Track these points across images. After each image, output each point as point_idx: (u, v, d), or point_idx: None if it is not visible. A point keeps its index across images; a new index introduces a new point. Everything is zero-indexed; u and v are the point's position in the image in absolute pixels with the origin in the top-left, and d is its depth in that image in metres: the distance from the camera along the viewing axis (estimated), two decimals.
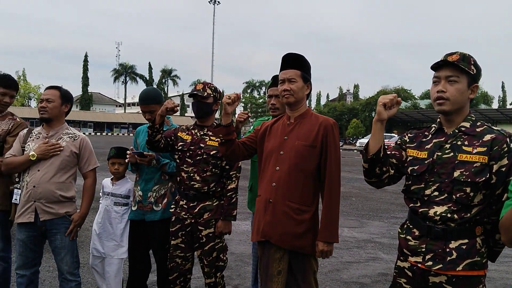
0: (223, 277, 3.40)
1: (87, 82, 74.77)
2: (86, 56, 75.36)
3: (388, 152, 2.30)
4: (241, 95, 2.91)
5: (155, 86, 75.17)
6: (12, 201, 3.30)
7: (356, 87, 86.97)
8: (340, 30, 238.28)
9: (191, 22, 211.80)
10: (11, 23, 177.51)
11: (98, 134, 63.19)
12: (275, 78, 3.43)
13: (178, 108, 3.29)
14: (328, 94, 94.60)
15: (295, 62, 2.71)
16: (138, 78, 78.37)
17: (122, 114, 77.10)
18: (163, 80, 78.49)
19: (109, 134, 66.52)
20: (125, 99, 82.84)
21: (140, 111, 3.60)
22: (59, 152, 3.23)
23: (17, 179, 3.33)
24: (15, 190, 3.28)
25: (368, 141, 2.22)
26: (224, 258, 3.35)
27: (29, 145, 3.27)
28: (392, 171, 2.27)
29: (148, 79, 78.70)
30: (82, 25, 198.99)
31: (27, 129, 3.43)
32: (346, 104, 70.64)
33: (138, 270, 3.63)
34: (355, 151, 39.05)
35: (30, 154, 3.18)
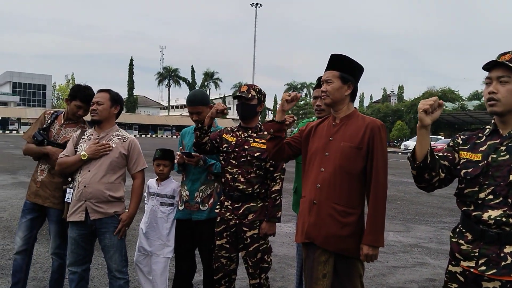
0: (268, 279, 3.40)
1: (133, 86, 76.78)
2: (131, 60, 77.46)
3: (440, 154, 2.24)
4: (301, 96, 2.96)
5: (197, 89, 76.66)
6: (65, 200, 3.43)
7: (401, 88, 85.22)
8: (384, 30, 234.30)
9: (233, 25, 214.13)
10: (60, 28, 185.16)
11: (143, 136, 64.71)
12: (320, 79, 3.41)
13: (228, 110, 3.34)
14: (371, 96, 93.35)
15: (334, 63, 2.70)
16: (181, 81, 79.82)
17: (165, 117, 78.72)
18: (205, 83, 79.52)
19: (153, 136, 68.04)
20: (168, 101, 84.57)
21: (183, 114, 3.67)
22: (108, 152, 3.33)
23: (69, 179, 3.46)
24: (68, 190, 3.41)
25: (414, 148, 2.17)
26: (269, 259, 3.35)
27: (81, 146, 3.39)
28: (443, 174, 2.20)
29: (191, 82, 79.93)
30: (127, 30, 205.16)
31: (79, 130, 3.56)
32: (390, 105, 69.36)
33: (184, 269, 3.69)
34: (400, 153, 38.25)
35: (81, 154, 3.30)
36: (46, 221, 3.74)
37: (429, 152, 2.11)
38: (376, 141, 2.59)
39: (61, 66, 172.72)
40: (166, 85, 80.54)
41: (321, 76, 3.35)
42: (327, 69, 2.71)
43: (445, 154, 2.26)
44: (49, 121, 3.69)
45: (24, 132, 3.83)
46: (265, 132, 3.34)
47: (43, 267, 4.84)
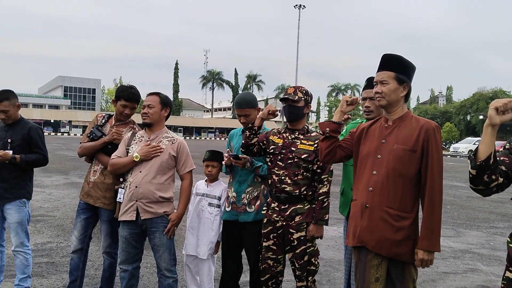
0: (315, 282, 3.37)
1: (178, 89, 78.25)
2: (176, 64, 79.06)
3: (496, 158, 2.14)
4: (359, 100, 2.97)
5: (240, 91, 76.95)
6: (117, 200, 3.53)
7: (449, 89, 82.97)
8: (430, 29, 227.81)
9: (276, 27, 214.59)
10: (109, 33, 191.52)
11: (187, 138, 65.72)
12: (369, 80, 3.36)
13: (278, 112, 3.36)
14: (418, 97, 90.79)
15: (389, 63, 2.63)
16: (224, 84, 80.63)
17: (209, 119, 79.75)
18: (248, 86, 79.94)
19: (197, 138, 69.05)
20: (212, 104, 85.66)
21: (226, 116, 3.71)
22: (159, 154, 3.42)
23: (121, 179, 3.57)
24: (120, 190, 3.51)
25: (477, 146, 2.08)
26: (316, 262, 3.32)
27: (132, 147, 3.49)
28: (501, 179, 2.10)
29: (234, 85, 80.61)
30: (172, 34, 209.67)
31: (131, 132, 3.66)
32: (438, 107, 67.58)
33: (231, 270, 3.72)
34: (449, 156, 37.12)
35: (134, 155, 3.40)
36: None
37: (493, 153, 2.03)
38: (431, 144, 2.50)
39: (110, 70, 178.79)
40: (210, 88, 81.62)
41: (371, 77, 3.30)
42: (381, 69, 2.64)
43: (501, 158, 2.16)
44: (103, 121, 3.85)
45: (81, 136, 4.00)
46: (312, 134, 3.33)
47: (95, 265, 5.00)
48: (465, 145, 38.09)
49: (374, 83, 2.67)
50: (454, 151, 39.43)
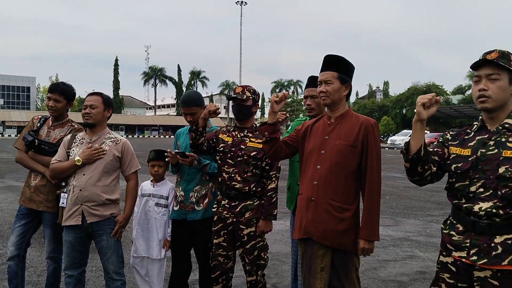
0: (264, 275, 3.46)
1: (118, 86, 76.22)
2: (116, 60, 76.99)
3: (430, 149, 2.31)
4: (289, 94, 3.01)
5: (184, 88, 75.89)
6: (59, 205, 3.42)
7: (386, 84, 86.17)
8: (368, 27, 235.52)
9: (219, 23, 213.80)
10: (44, 29, 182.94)
11: (130, 136, 64.00)
12: (310, 79, 3.47)
13: (220, 110, 3.36)
14: (357, 92, 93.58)
15: (332, 64, 2.76)
16: (167, 81, 79.43)
17: (152, 117, 78.20)
18: (192, 82, 79.21)
19: (140, 136, 67.53)
20: (155, 101, 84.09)
21: (170, 113, 3.69)
22: (102, 156, 3.35)
23: (63, 183, 3.46)
24: (62, 194, 3.39)
25: (409, 141, 2.25)
26: (265, 256, 3.41)
27: (73, 150, 3.39)
28: (435, 169, 2.29)
29: (177, 81, 79.56)
30: (112, 30, 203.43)
31: (70, 135, 3.55)
32: (376, 101, 70.04)
33: (180, 270, 3.73)
34: (386, 148, 38.58)
35: (75, 159, 3.30)
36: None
37: (423, 146, 2.20)
38: (370, 139, 2.68)
39: (45, 68, 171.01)
40: (152, 84, 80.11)
41: (312, 76, 3.42)
42: (324, 69, 2.77)
43: (435, 149, 2.34)
44: (38, 125, 3.71)
45: (16, 138, 3.84)
46: None
47: (37, 271, 4.83)
48: (402, 138, 39.58)
49: (319, 83, 2.79)
50: (391, 144, 40.92)
